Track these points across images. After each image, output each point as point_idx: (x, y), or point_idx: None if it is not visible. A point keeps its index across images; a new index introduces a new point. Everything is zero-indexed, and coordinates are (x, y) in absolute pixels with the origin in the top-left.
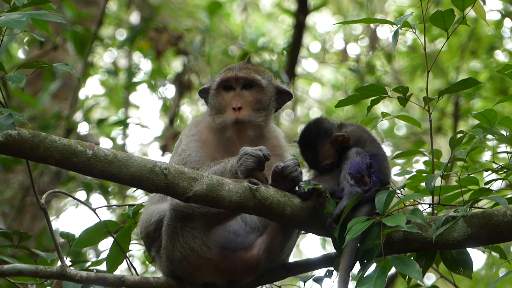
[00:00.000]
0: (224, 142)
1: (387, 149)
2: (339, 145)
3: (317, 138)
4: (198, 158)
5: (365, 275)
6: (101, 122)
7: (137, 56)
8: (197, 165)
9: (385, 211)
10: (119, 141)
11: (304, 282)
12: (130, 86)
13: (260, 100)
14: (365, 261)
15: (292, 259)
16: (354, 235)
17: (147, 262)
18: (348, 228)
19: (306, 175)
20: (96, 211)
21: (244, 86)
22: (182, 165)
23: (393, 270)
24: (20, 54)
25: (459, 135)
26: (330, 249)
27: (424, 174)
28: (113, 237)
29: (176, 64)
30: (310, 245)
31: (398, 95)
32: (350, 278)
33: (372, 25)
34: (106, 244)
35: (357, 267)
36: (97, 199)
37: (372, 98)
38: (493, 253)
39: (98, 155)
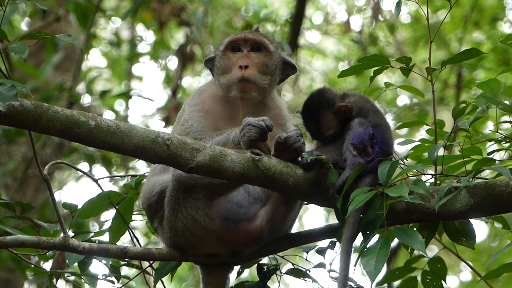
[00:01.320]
0: (227, 111)
1: (390, 120)
2: (341, 116)
3: (320, 108)
4: (201, 128)
5: (368, 246)
6: (104, 94)
7: (140, 28)
8: (199, 135)
9: (388, 182)
10: (122, 112)
11: (307, 252)
12: (133, 58)
13: (267, 64)
14: (368, 232)
15: (294, 230)
16: (356, 206)
17: (150, 234)
18: (350, 199)
19: (308, 145)
20: (99, 182)
21: (252, 48)
22: (184, 135)
23: (396, 241)
24: (23, 27)
25: (462, 105)
26: (333, 220)
27: (427, 144)
28: (116, 208)
29: (179, 36)
30: (313, 217)
31: (401, 65)
32: (353, 249)
33: None
34: (108, 216)
35: (360, 238)
36: (100, 170)
37: (375, 68)
38: (496, 224)
39: (101, 126)
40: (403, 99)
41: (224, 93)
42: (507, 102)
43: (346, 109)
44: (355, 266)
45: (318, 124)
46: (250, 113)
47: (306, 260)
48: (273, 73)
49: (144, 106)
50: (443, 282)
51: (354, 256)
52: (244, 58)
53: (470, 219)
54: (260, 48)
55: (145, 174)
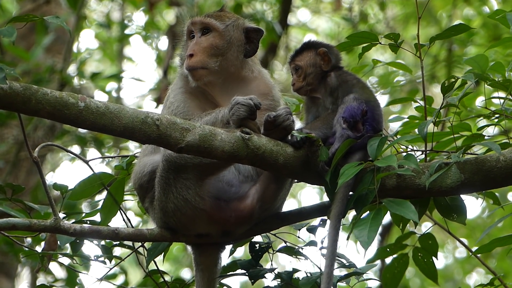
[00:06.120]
0: (208, 92)
1: (382, 97)
2: (320, 62)
3: (307, 47)
4: (187, 109)
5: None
6: (95, 76)
7: (130, 8)
8: (186, 116)
9: (378, 157)
10: (114, 94)
11: (299, 230)
12: (124, 39)
13: (216, 45)
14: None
15: (290, 208)
16: (346, 179)
17: (142, 214)
18: (340, 173)
19: (298, 123)
20: (90, 163)
21: (202, 32)
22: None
23: (388, 218)
24: (14, 8)
25: (451, 80)
26: (326, 198)
27: (416, 121)
28: (107, 189)
29: (169, 16)
30: (309, 195)
31: (390, 42)
32: (341, 225)
33: None
34: (101, 197)
35: (351, 214)
36: (92, 153)
37: (364, 45)
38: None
39: (90, 107)
40: (396, 76)
41: None
42: (496, 78)
43: (326, 56)
44: (348, 239)
45: (300, 60)
46: (229, 91)
47: (299, 238)
48: (226, 51)
49: (136, 87)
50: (434, 258)
51: (343, 233)
52: (192, 45)
53: (461, 195)
54: (209, 30)
55: (136, 155)
